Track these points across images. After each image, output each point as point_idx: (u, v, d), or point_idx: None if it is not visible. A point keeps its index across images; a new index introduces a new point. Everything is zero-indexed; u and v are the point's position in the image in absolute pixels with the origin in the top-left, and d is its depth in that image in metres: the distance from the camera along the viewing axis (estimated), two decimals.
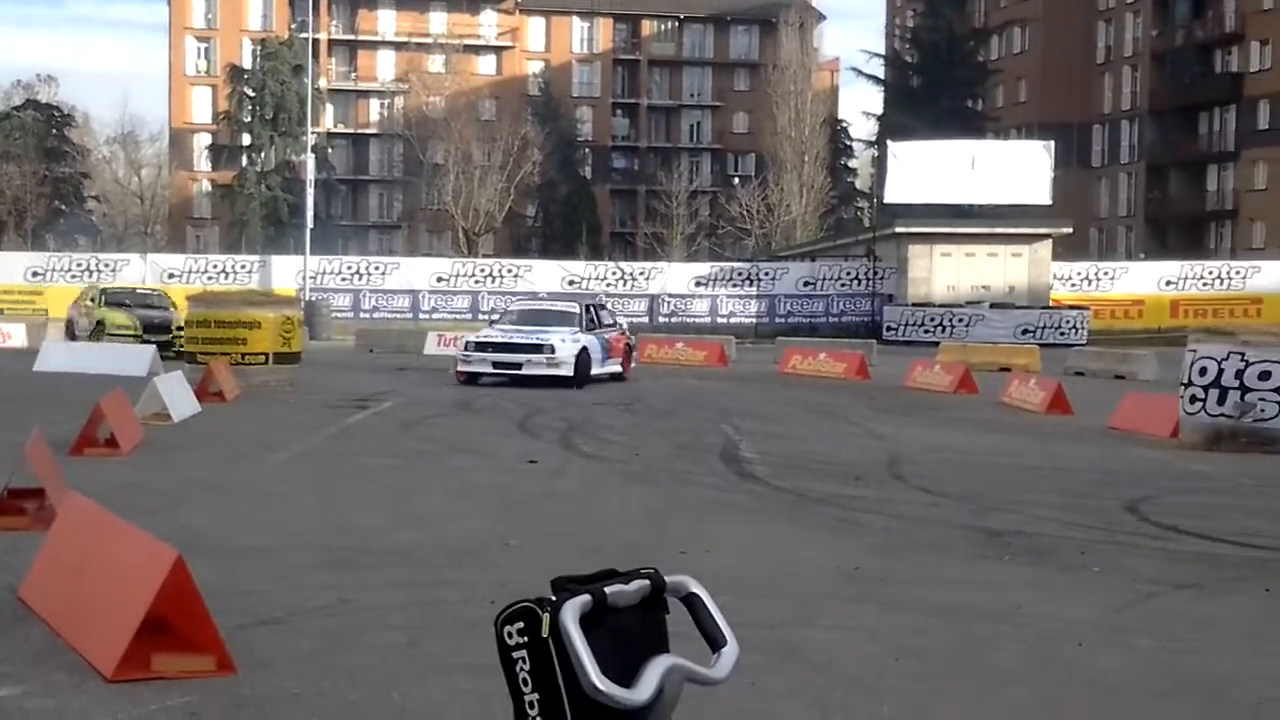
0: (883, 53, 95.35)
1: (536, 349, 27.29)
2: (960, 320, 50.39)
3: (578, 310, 29.55)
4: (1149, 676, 7.32)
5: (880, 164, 60.79)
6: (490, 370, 27.39)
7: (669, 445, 18.07)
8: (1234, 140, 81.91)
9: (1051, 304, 52.18)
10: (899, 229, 54.45)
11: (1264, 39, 78.88)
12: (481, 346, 27.69)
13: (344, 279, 56.81)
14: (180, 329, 31.11)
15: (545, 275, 56.73)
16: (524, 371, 27.06)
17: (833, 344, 39.58)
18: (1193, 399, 18.58)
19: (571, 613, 2.99)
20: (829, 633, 8.07)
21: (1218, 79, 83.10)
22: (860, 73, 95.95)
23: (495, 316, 33.44)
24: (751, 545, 10.87)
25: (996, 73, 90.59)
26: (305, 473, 14.65)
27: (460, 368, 27.63)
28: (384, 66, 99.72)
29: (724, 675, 3.16)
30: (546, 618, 3.02)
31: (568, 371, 27.19)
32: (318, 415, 20.66)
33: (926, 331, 49.79)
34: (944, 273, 53.92)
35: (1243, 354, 18.19)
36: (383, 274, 57.51)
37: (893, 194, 54.71)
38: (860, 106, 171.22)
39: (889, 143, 58.54)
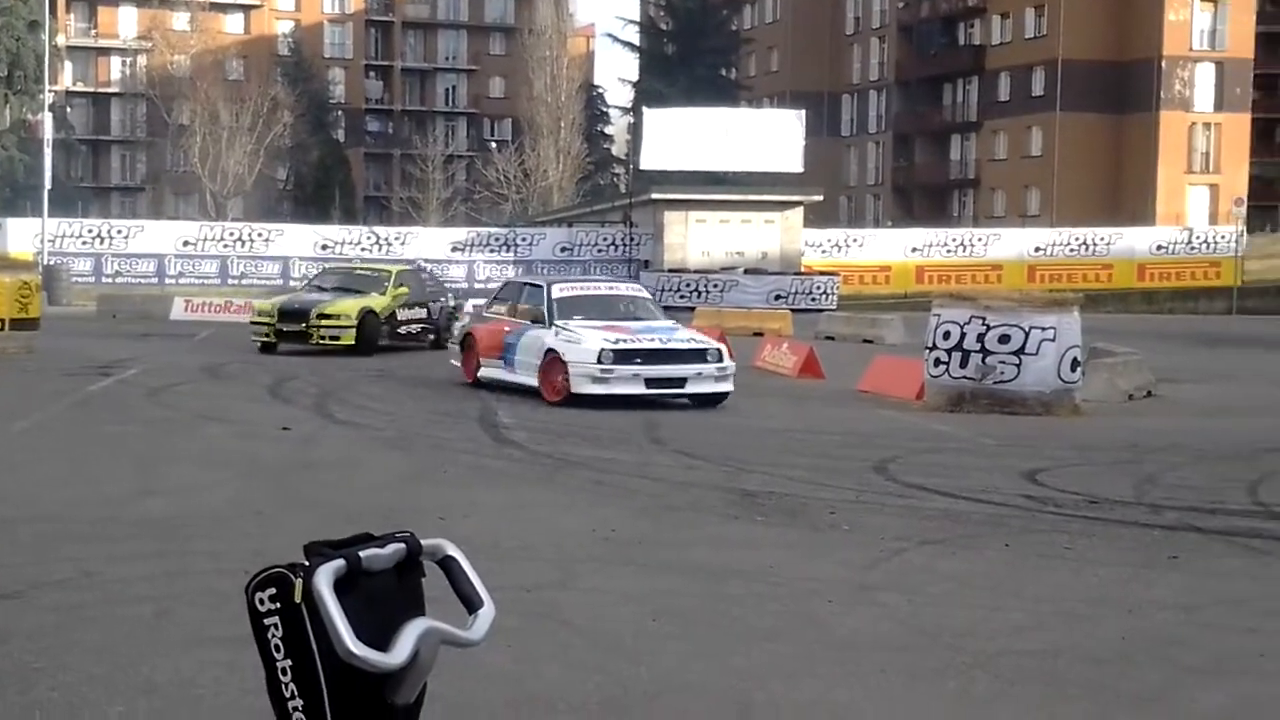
0: (638, 19, 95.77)
1: (700, 356, 19.28)
2: (715, 286, 51.04)
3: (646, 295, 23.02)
4: (894, 631, 7.53)
5: (636, 131, 61.17)
6: (641, 391, 18.72)
7: (426, 412, 17.93)
8: (976, 111, 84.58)
9: (803, 270, 53.23)
10: (655, 195, 54.88)
11: (1004, 12, 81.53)
12: (626, 356, 18.65)
13: (85, 243, 54.86)
14: None
15: (297, 240, 55.66)
16: (688, 390, 19.04)
17: None
18: (937, 362, 19.14)
19: (325, 577, 2.93)
20: (587, 595, 8.10)
21: (961, 51, 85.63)
22: (616, 39, 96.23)
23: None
24: (510, 510, 10.85)
25: (749, 42, 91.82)
26: (46, 442, 14.14)
27: (584, 389, 18.51)
28: (126, 23, 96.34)
29: (480, 637, 3.13)
30: (299, 583, 2.95)
31: (728, 386, 19.39)
32: (58, 383, 19.94)
33: (682, 297, 50.31)
34: (699, 239, 54.56)
35: (984, 318, 18.81)
36: (126, 238, 55.69)
37: (648, 161, 55.09)
38: (616, 73, 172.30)
39: (644, 110, 58.90)
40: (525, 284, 22.28)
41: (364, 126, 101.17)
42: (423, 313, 28.90)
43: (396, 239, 56.66)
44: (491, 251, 55.72)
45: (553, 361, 18.96)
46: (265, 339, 26.99)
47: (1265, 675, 6.82)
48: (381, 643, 2.95)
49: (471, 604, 3.18)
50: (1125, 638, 7.45)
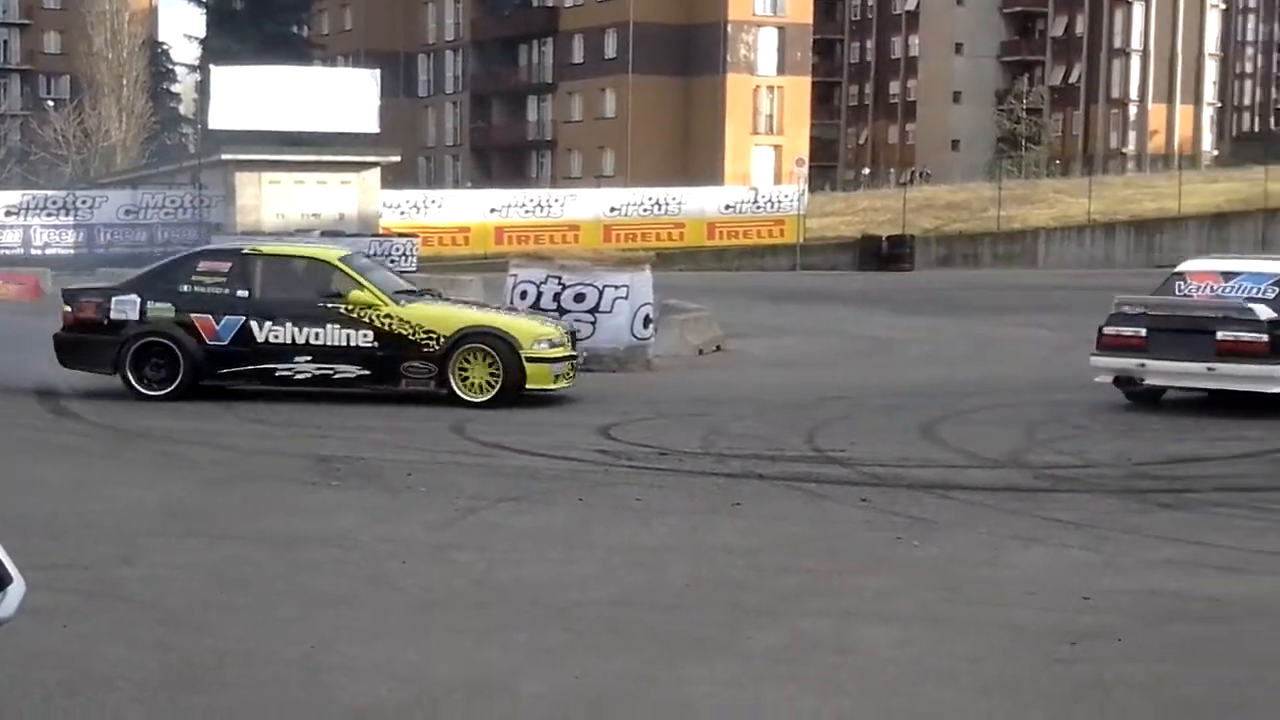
0: None
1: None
2: None
3: None
4: (469, 588, 7.58)
5: (204, 90, 59.18)
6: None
7: None
8: (551, 73, 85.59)
9: (382, 232, 52.71)
10: (225, 156, 53.21)
11: None
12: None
13: None
14: None
15: None
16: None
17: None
18: None
19: None
20: (151, 570, 7.83)
21: (535, 12, 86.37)
22: None
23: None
24: (70, 486, 10.37)
25: None
26: None
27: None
28: None
29: (9, 614, 3.03)
30: None
31: None
32: None
33: None
34: (274, 201, 53.28)
35: (559, 278, 19.08)
36: None
37: (218, 120, 53.34)
38: (182, 29, 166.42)
39: (212, 68, 57.03)
40: None
41: None
42: None
43: None
44: (50, 215, 52.93)
45: None
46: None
47: (820, 613, 7.17)
48: None
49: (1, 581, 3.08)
50: (690, 584, 7.71)
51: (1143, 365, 14.74)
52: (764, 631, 6.82)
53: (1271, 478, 11.08)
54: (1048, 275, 45.44)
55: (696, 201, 55.22)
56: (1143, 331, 14.75)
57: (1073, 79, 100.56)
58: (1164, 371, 14.73)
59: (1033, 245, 53.56)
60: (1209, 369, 14.37)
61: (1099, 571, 8.02)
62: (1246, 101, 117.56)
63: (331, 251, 16.68)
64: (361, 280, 15.15)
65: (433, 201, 58.29)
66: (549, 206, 56.34)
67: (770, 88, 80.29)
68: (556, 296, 18.98)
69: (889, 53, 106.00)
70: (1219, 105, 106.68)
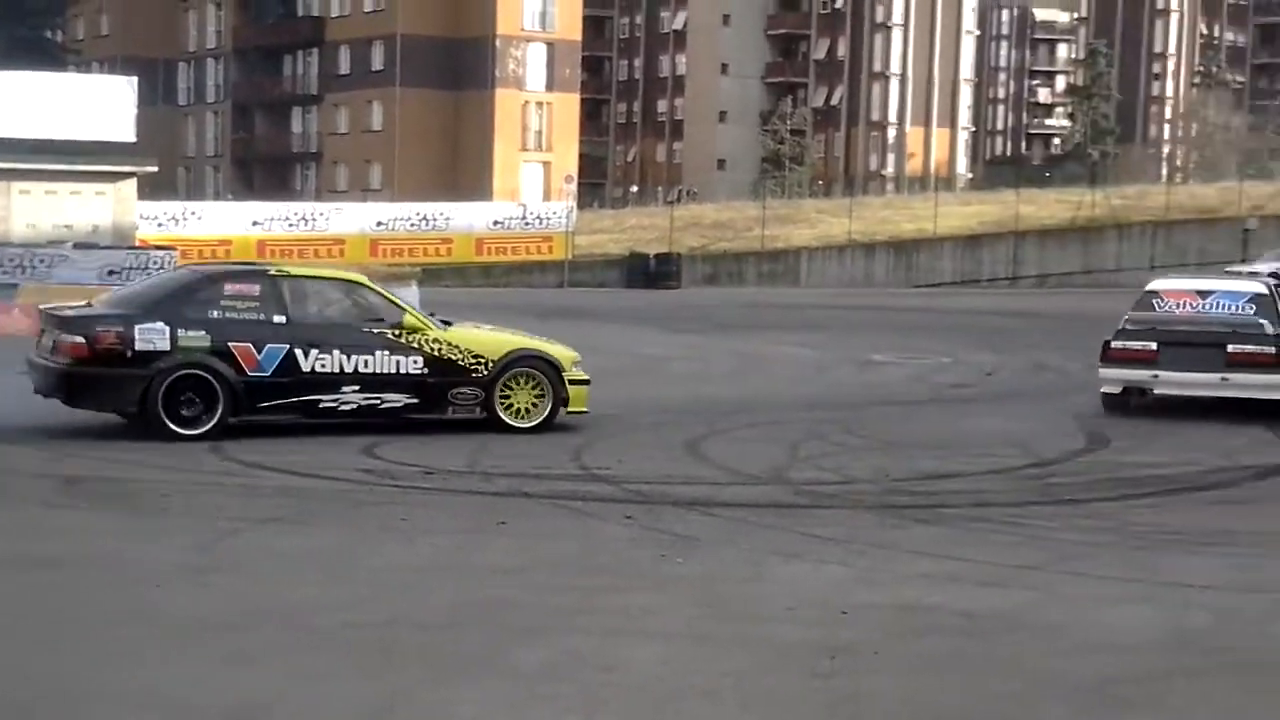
0: None
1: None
2: (42, 261, 48.22)
3: None
4: (226, 612, 7.41)
5: None
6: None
7: None
8: (317, 84, 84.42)
9: (138, 244, 51.32)
10: None
11: None
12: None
13: None
14: None
15: None
16: None
17: None
18: None
19: None
20: None
21: (300, 22, 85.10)
22: None
23: None
24: None
25: (77, 3, 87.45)
26: None
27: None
28: None
29: None
30: None
31: None
32: None
33: (5, 273, 47.36)
34: (24, 211, 51.44)
35: None
36: None
37: None
38: None
39: None
40: None
41: None
42: None
43: None
44: None
45: None
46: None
47: (586, 631, 7.19)
48: None
49: None
50: (456, 603, 7.67)
51: (1156, 376, 16.06)
52: (530, 650, 6.81)
53: (1023, 493, 11.48)
54: (810, 294, 46.42)
55: (465, 217, 55.01)
56: (1153, 345, 15.96)
57: (834, 101, 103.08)
58: (1177, 382, 16.10)
59: (795, 264, 54.65)
60: (1223, 379, 15.79)
61: (857, 586, 8.21)
62: (999, 126, 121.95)
63: (357, 274, 15.83)
64: (399, 303, 14.38)
65: (192, 213, 56.96)
66: (314, 220, 55.49)
67: (539, 104, 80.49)
68: None
69: (657, 71, 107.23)
70: (973, 129, 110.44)
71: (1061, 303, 39.70)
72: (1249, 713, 6.07)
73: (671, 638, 7.12)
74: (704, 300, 42.57)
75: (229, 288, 13.78)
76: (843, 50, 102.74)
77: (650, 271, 50.83)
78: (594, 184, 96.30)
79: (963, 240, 55.86)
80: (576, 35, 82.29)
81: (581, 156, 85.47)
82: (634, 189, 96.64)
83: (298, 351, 13.51)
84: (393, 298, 14.53)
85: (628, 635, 7.14)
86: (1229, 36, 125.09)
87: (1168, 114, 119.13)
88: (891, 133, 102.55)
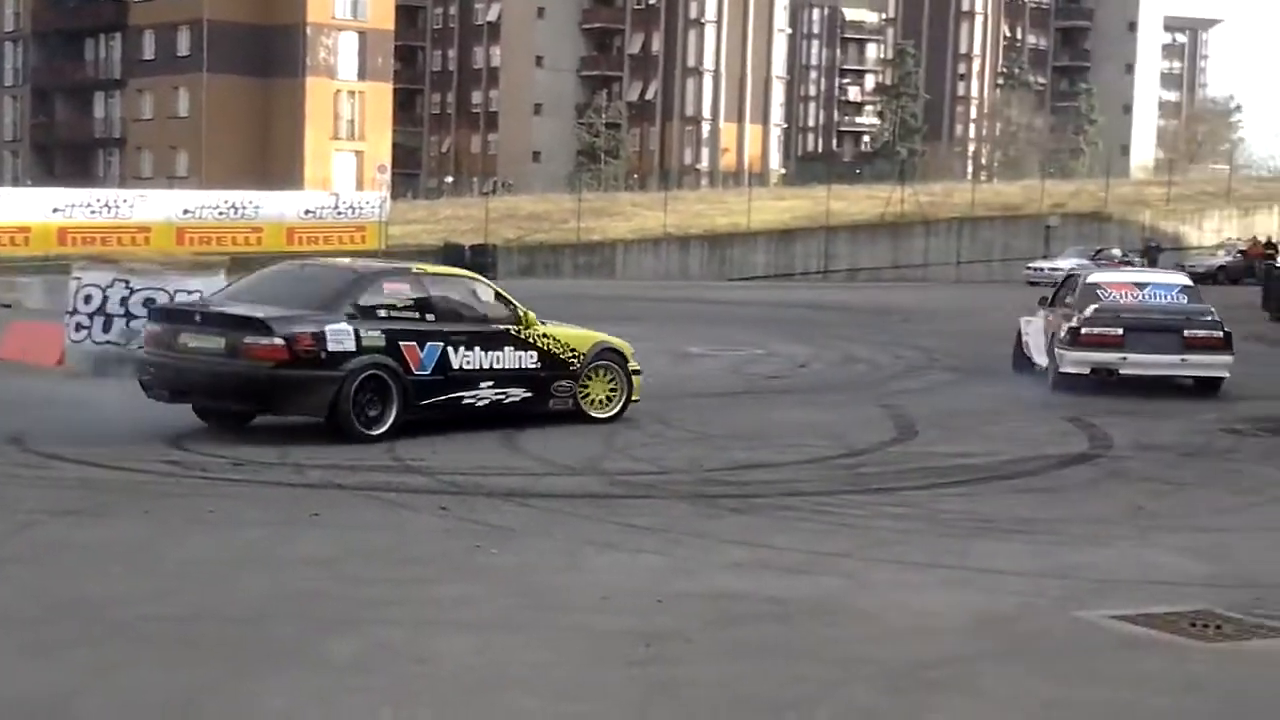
0: None
1: None
2: None
3: None
4: (26, 605, 7.17)
5: None
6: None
7: None
8: (120, 68, 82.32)
9: None
10: None
11: None
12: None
13: None
14: None
15: None
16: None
17: None
18: (78, 327, 18.43)
19: None
20: None
21: (103, 6, 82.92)
22: None
23: None
24: None
25: None
26: None
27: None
28: None
29: None
30: None
31: None
32: None
33: None
34: None
35: (127, 281, 18.31)
36: None
37: None
38: None
39: None
40: None
41: None
42: None
43: None
44: None
45: None
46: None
47: (398, 622, 7.09)
48: None
49: None
50: (265, 596, 7.51)
51: (1124, 359, 17.78)
52: (341, 642, 6.69)
53: (835, 482, 11.62)
54: (626, 286, 46.59)
55: (275, 206, 54.08)
56: (1119, 331, 17.78)
57: (649, 96, 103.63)
58: (1142, 363, 17.88)
59: (611, 256, 54.82)
60: (1182, 360, 17.86)
61: (671, 575, 8.23)
62: (811, 123, 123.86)
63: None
64: (512, 299, 14.50)
65: None
66: (117, 207, 54.04)
67: (351, 93, 79.54)
68: (124, 301, 18.21)
69: (471, 62, 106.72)
70: (785, 126, 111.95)
71: (872, 296, 40.41)
72: (1051, 693, 6.21)
73: (485, 628, 7.06)
74: (520, 292, 42.25)
75: (387, 287, 13.66)
76: (657, 45, 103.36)
77: (466, 263, 50.44)
78: (408, 174, 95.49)
79: (776, 235, 56.58)
80: (389, 24, 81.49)
81: (395, 146, 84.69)
82: (449, 180, 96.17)
83: (449, 349, 13.51)
84: (506, 294, 14.77)
85: (441, 626, 7.06)
86: (1031, 39, 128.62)
87: (973, 114, 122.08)
88: (706, 128, 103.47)
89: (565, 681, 6.22)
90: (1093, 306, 18.19)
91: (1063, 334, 18.02)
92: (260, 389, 12.77)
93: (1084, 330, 17.90)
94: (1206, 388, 18.07)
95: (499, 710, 5.87)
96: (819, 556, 8.81)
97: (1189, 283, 19.75)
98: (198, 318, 13.22)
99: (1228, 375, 18.02)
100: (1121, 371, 18.02)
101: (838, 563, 8.65)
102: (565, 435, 13.85)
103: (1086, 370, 17.94)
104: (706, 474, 11.89)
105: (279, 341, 12.61)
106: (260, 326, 12.74)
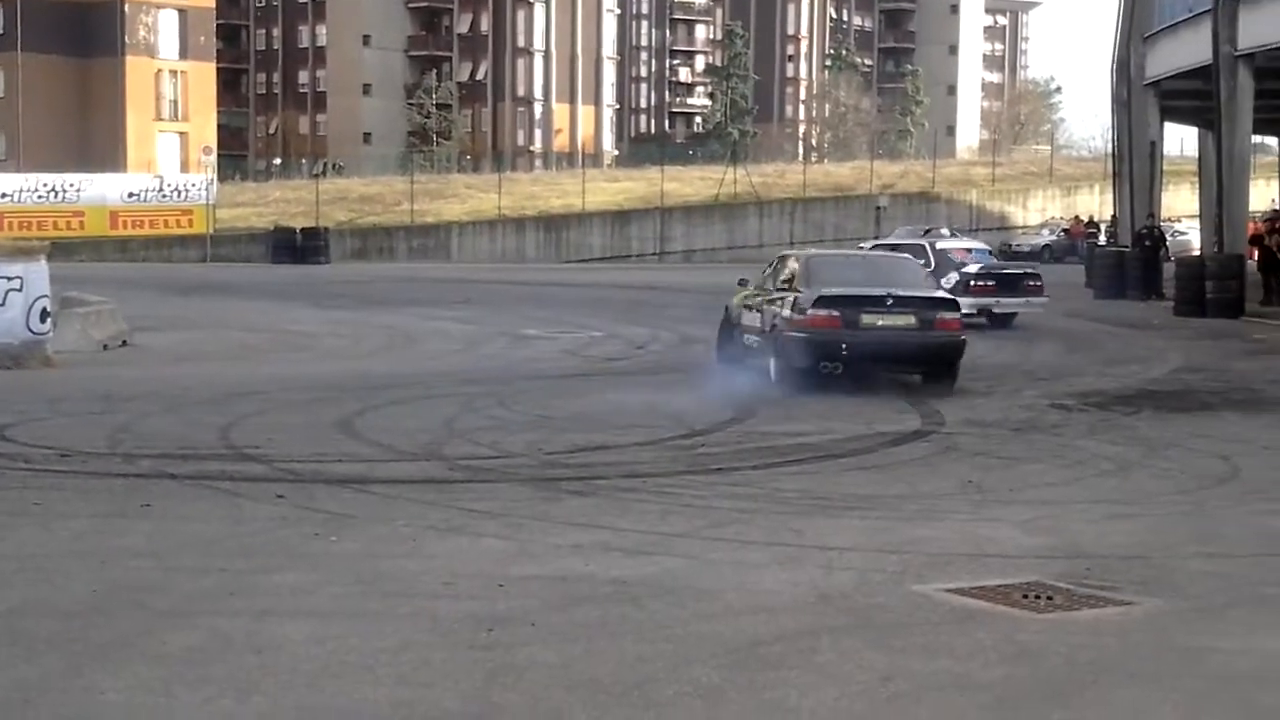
0: None
1: None
2: None
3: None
4: None
5: None
6: None
7: None
8: None
9: None
10: None
11: None
12: None
13: None
14: None
15: None
16: None
17: None
18: None
19: None
20: None
21: None
22: None
23: None
24: None
25: None
26: None
27: None
28: None
29: None
30: None
31: None
32: None
33: None
34: None
35: None
36: None
37: None
38: None
39: None
40: None
41: None
42: None
43: None
44: None
45: None
46: None
47: (236, 612, 6.98)
48: None
49: None
50: (97, 589, 7.35)
51: (998, 301, 25.30)
52: (177, 634, 6.57)
53: (674, 463, 11.68)
54: (461, 269, 46.36)
55: (97, 189, 52.83)
56: (993, 282, 25.38)
57: (480, 76, 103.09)
58: (1007, 304, 25.56)
59: (446, 239, 54.48)
60: (1027, 301, 25.67)
61: (513, 559, 8.21)
62: (643, 104, 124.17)
63: None
64: None
65: None
66: None
67: (173, 72, 77.96)
68: None
69: (297, 41, 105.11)
70: (618, 107, 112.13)
71: (708, 278, 40.65)
72: (889, 666, 6.33)
73: (326, 616, 6.98)
74: (353, 275, 42.06)
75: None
76: (486, 24, 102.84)
77: (297, 246, 49.85)
78: (235, 156, 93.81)
79: (611, 216, 56.70)
80: (210, 2, 80.00)
81: (220, 127, 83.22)
82: (277, 161, 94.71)
83: None
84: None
85: (280, 615, 6.97)
86: (857, 21, 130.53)
87: (802, 95, 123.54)
88: (538, 108, 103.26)
89: (405, 667, 6.18)
90: (971, 268, 25.51)
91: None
92: (951, 355, 16.41)
93: (973, 283, 24.95)
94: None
95: (340, 698, 5.82)
96: (660, 537, 8.86)
97: (989, 247, 28.81)
98: (889, 301, 16.20)
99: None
100: (995, 310, 25.31)
101: (679, 543, 8.71)
102: (403, 420, 13.76)
103: (975, 312, 23.44)
104: (547, 457, 11.89)
105: (959, 316, 16.78)
106: (951, 304, 16.95)
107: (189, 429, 12.89)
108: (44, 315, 18.19)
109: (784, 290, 17.01)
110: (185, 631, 6.62)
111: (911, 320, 16.26)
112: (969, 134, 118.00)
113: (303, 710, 5.71)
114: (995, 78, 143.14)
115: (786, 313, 16.45)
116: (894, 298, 16.30)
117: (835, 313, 16.09)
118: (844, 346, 15.87)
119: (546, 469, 11.35)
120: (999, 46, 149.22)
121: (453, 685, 5.98)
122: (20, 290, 17.82)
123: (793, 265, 17.70)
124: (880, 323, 16.18)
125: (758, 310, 17.53)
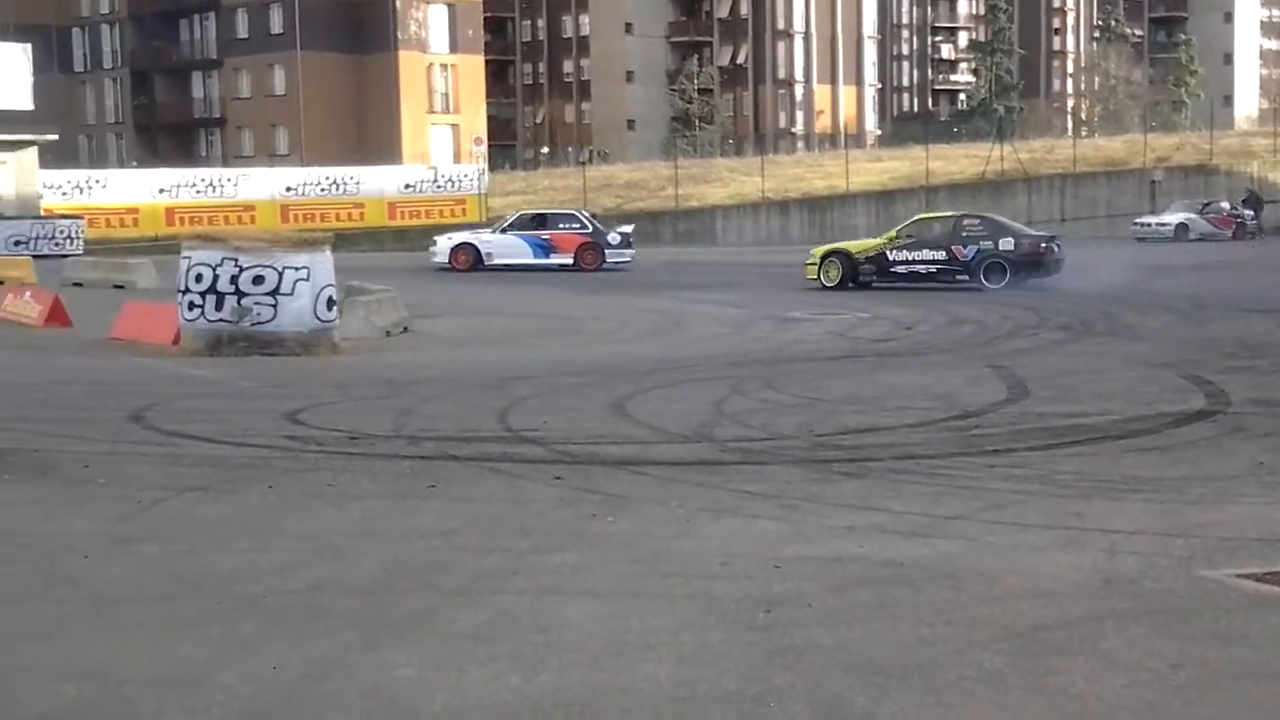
0: None
1: None
2: None
3: None
4: (154, 581, 7.30)
5: None
6: None
7: None
8: (216, 48, 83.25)
9: (44, 213, 50.52)
10: None
11: None
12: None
13: None
14: None
15: None
16: None
17: None
18: (191, 306, 18.73)
19: None
20: None
21: None
22: None
23: None
24: None
25: None
26: None
27: None
28: None
29: None
30: None
31: None
32: None
33: None
34: None
35: (236, 259, 18.56)
36: None
37: None
38: None
39: None
40: None
41: None
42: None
43: None
44: None
45: None
46: None
47: (519, 591, 7.16)
48: None
49: None
50: (387, 567, 7.60)
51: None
52: (464, 612, 6.76)
53: (945, 444, 11.55)
54: (727, 252, 46.51)
55: (375, 181, 54.61)
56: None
57: (740, 60, 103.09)
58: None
59: (711, 223, 54.73)
60: None
61: (787, 540, 8.23)
62: (905, 83, 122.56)
63: None
64: None
65: (96, 181, 56.06)
66: (221, 186, 54.88)
67: (444, 65, 79.93)
68: (234, 279, 18.48)
69: (561, 31, 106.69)
70: (879, 86, 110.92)
71: None
72: (1179, 654, 6.15)
73: (605, 595, 7.10)
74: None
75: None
76: (745, 8, 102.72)
77: None
78: (504, 146, 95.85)
79: (875, 196, 56.20)
80: None
81: (490, 119, 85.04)
82: (545, 150, 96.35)
83: None
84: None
85: (562, 594, 7.11)
86: None
87: (1069, 68, 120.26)
88: (799, 91, 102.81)
89: (685, 647, 6.25)
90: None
91: None
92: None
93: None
94: None
95: (621, 676, 5.91)
96: (935, 520, 8.77)
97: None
98: None
99: None
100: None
101: (954, 525, 8.61)
102: (674, 403, 13.89)
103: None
104: (817, 439, 11.87)
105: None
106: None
107: (469, 412, 13.24)
108: (330, 304, 18.88)
109: None
110: (472, 610, 6.81)
111: None
112: (1247, 103, 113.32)
113: (588, 688, 5.82)
114: (1275, 45, 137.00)
115: None
116: None
117: None
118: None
119: (817, 450, 11.33)
120: (1277, 12, 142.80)
121: (732, 665, 6.02)
122: (308, 280, 18.52)
123: None
124: None
125: None
